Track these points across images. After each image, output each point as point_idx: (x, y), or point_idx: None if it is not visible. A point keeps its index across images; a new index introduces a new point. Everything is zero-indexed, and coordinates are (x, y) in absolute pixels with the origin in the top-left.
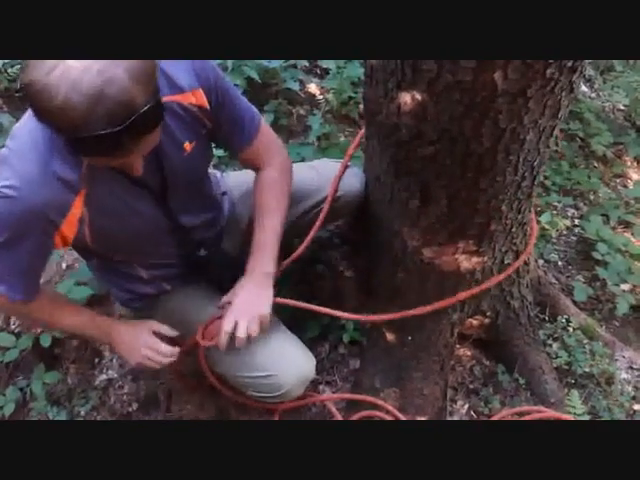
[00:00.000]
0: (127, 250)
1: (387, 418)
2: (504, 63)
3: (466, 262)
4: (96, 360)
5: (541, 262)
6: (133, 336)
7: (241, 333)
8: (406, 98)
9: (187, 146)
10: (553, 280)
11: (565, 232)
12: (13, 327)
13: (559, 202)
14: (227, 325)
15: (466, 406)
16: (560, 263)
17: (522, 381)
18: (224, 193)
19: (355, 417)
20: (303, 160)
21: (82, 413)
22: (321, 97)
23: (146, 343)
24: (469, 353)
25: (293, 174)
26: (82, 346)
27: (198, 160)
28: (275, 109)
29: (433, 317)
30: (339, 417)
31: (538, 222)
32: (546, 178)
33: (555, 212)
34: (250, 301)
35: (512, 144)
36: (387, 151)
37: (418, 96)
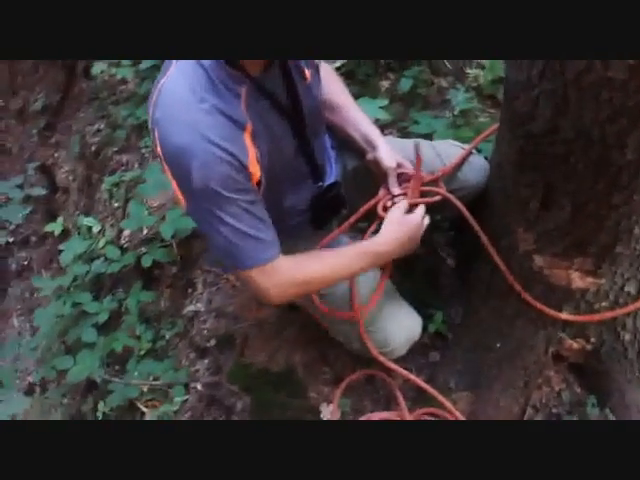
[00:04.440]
0: (270, 196)
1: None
2: None
3: (579, 280)
4: (189, 290)
5: None
6: (392, 230)
7: None
8: (548, 87)
9: (307, 73)
10: None
11: None
12: (123, 242)
13: None
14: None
15: None
16: None
17: (612, 418)
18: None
19: (420, 412)
20: (433, 134)
21: (167, 336)
22: (469, 71)
23: (400, 224)
24: (561, 375)
25: None
26: (179, 274)
27: (316, 90)
28: (415, 76)
29: (529, 329)
30: (403, 404)
31: None
32: None
33: None
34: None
35: None
36: (516, 141)
37: (562, 87)
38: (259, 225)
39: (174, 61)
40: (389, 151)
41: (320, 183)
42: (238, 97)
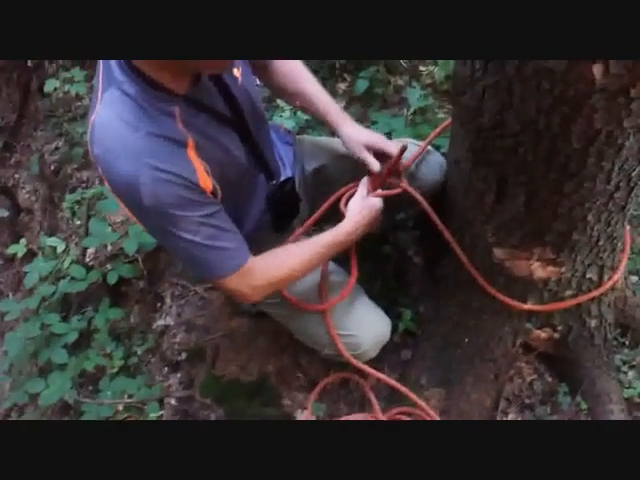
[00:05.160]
0: (227, 205)
1: (426, 419)
2: None
3: (540, 270)
4: (158, 304)
5: (635, 279)
6: (356, 215)
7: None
8: (491, 80)
9: (237, 73)
10: None
11: None
12: (88, 260)
13: None
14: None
15: None
16: None
17: (584, 406)
18: (289, 143)
19: (394, 412)
20: (391, 133)
21: (138, 352)
22: (423, 68)
23: (363, 209)
24: (532, 366)
25: None
26: (147, 289)
27: (251, 87)
28: (371, 76)
29: (495, 322)
30: (376, 406)
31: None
32: None
33: None
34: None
35: (607, 149)
36: (468, 137)
37: (504, 80)
38: (221, 235)
39: (99, 96)
40: (351, 142)
41: (274, 181)
42: (172, 116)
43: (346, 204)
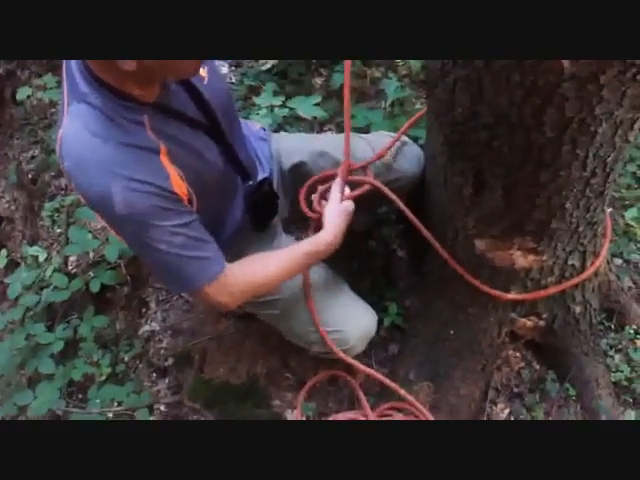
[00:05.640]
0: (207, 209)
1: (415, 414)
2: None
3: (522, 259)
4: (143, 310)
5: (619, 262)
6: (335, 224)
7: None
8: (462, 73)
9: (202, 72)
10: (630, 284)
11: None
12: (70, 268)
13: None
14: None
15: (507, 411)
16: None
17: (573, 392)
18: (264, 139)
19: (383, 408)
20: (370, 126)
21: (125, 359)
22: (400, 60)
23: (340, 216)
24: (519, 354)
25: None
26: (131, 295)
27: (219, 84)
28: None
29: (480, 313)
30: (365, 403)
31: (622, 217)
32: None
33: None
34: None
35: (580, 136)
36: (442, 130)
37: (474, 72)
38: (197, 245)
39: (65, 111)
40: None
41: (250, 182)
42: (142, 125)
43: (319, 202)
